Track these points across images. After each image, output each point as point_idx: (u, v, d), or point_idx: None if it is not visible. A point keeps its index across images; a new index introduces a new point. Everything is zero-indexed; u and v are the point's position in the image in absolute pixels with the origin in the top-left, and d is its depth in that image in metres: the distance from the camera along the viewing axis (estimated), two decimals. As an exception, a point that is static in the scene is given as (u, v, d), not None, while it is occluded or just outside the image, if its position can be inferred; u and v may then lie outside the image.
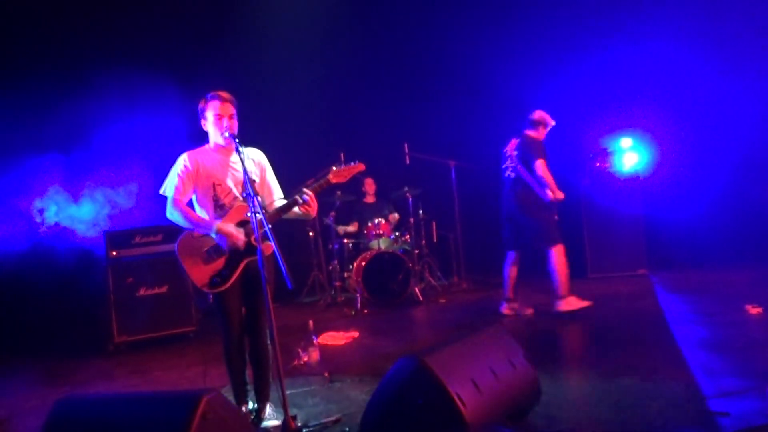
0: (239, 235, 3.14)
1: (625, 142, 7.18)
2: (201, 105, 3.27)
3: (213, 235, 3.16)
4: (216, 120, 3.21)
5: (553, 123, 5.45)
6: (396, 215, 7.55)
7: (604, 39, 7.66)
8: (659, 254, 7.16)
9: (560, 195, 5.15)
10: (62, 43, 6.55)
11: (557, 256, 5.13)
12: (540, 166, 5.13)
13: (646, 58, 7.49)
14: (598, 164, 7.23)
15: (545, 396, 3.04)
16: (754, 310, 4.67)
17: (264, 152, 3.48)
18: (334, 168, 3.22)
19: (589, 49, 7.75)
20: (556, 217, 5.29)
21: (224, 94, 3.25)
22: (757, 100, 7.29)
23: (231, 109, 3.24)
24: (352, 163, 3.24)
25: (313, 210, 3.18)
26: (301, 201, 3.13)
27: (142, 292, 5.58)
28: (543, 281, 5.42)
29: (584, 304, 5.10)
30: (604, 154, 7.21)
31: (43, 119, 6.22)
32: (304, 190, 3.14)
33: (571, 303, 5.10)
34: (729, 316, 4.67)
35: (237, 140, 3.12)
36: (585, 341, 4.51)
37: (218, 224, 3.15)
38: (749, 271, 6.37)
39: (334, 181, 3.21)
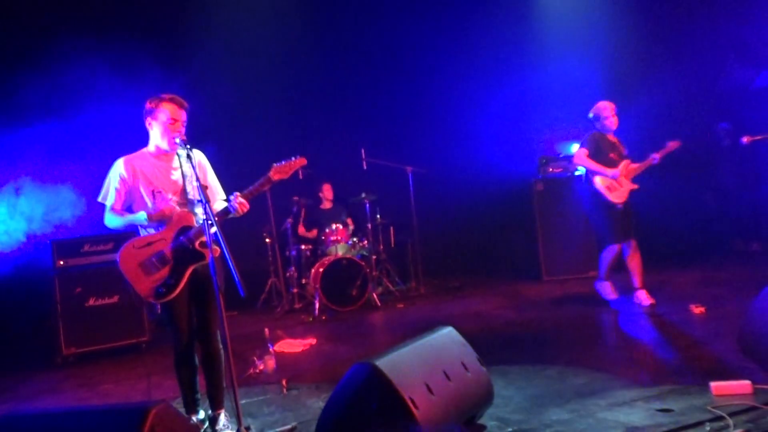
0: (171, 206, 3.09)
1: (577, 147, 7.37)
2: (152, 104, 3.16)
3: (144, 222, 3.10)
4: (169, 123, 3.13)
5: (605, 115, 5.38)
6: (350, 223, 7.52)
7: (557, 45, 7.89)
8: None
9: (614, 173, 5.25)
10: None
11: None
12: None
13: (597, 63, 7.73)
14: (551, 169, 7.40)
15: (496, 398, 3.09)
16: (697, 310, 4.86)
17: (220, 157, 3.43)
18: (275, 165, 3.17)
19: (543, 55, 7.96)
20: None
21: (181, 99, 3.18)
22: (702, 105, 7.63)
23: (184, 116, 3.19)
24: (293, 159, 3.18)
25: (243, 208, 3.12)
26: (231, 210, 3.09)
27: (91, 302, 5.41)
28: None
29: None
30: (557, 159, 7.38)
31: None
32: (234, 195, 3.10)
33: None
34: (674, 315, 4.85)
35: (189, 146, 3.07)
36: (537, 342, 4.61)
37: (146, 213, 3.10)
38: (693, 273, 6.64)
39: (275, 178, 3.16)
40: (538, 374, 3.73)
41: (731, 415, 2.73)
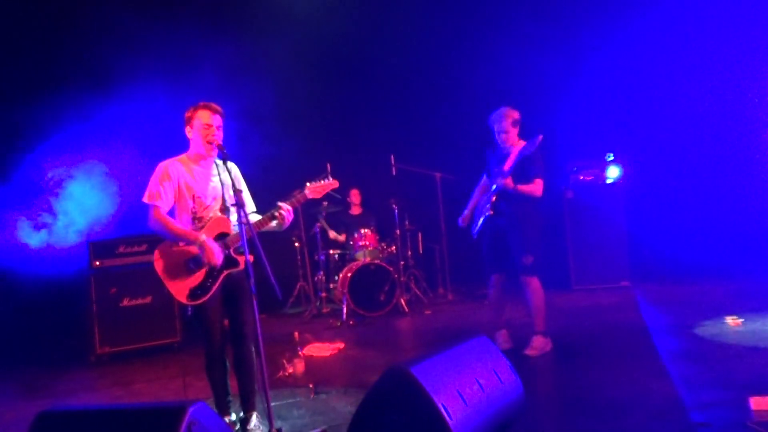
0: (218, 254, 3.14)
1: (609, 155, 7.28)
2: (188, 113, 3.28)
3: (198, 245, 3.14)
4: (204, 128, 3.22)
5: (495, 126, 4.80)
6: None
7: (589, 52, 7.80)
8: (641, 267, 7.25)
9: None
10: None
11: None
12: None
13: (631, 72, 7.63)
14: (581, 177, 7.32)
15: (528, 407, 3.06)
16: (734, 323, 4.75)
17: (251, 163, 3.50)
18: (308, 184, 3.29)
19: (575, 63, 7.87)
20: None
21: (214, 105, 3.29)
22: (739, 114, 7.45)
23: (219, 121, 3.28)
24: (327, 180, 3.31)
25: (287, 221, 3.21)
26: (277, 215, 3.17)
27: (125, 302, 5.52)
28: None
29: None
30: (588, 166, 7.30)
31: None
32: (279, 204, 3.19)
33: None
34: (709, 328, 4.75)
35: (224, 150, 3.14)
36: (568, 351, 4.55)
37: (203, 237, 3.14)
38: (729, 284, 6.47)
39: (310, 196, 3.28)
40: (569, 384, 3.68)
41: (772, 431, 2.66)
